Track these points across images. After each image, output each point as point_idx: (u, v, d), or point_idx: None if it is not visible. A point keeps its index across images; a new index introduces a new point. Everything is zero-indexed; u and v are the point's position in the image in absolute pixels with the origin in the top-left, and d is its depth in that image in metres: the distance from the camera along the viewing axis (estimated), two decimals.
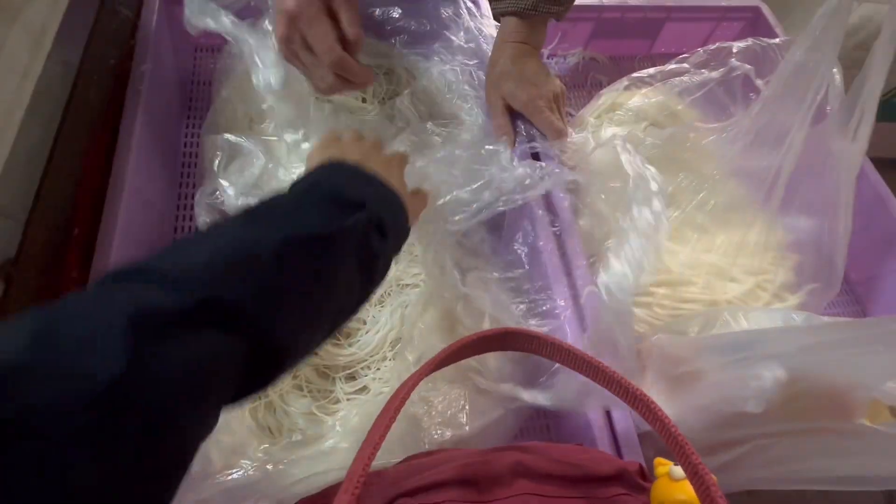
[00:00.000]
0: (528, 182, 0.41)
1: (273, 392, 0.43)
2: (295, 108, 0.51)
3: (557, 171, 0.44)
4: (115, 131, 0.45)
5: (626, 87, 0.59)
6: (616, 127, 0.57)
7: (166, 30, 0.56)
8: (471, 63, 0.58)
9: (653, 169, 0.38)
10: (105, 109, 0.47)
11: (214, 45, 0.61)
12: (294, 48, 0.39)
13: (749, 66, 0.53)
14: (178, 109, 0.59)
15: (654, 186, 0.35)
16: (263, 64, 0.46)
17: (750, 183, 0.47)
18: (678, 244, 0.48)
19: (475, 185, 0.42)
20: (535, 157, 0.51)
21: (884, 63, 0.38)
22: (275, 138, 0.54)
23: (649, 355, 0.37)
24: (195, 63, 0.64)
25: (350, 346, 0.46)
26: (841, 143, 0.42)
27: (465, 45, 0.58)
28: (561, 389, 0.34)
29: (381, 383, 0.45)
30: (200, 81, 0.63)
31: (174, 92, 0.59)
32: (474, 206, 0.44)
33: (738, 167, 0.47)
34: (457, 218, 0.43)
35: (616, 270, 0.31)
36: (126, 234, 0.41)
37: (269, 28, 0.48)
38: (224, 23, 0.46)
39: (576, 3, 0.67)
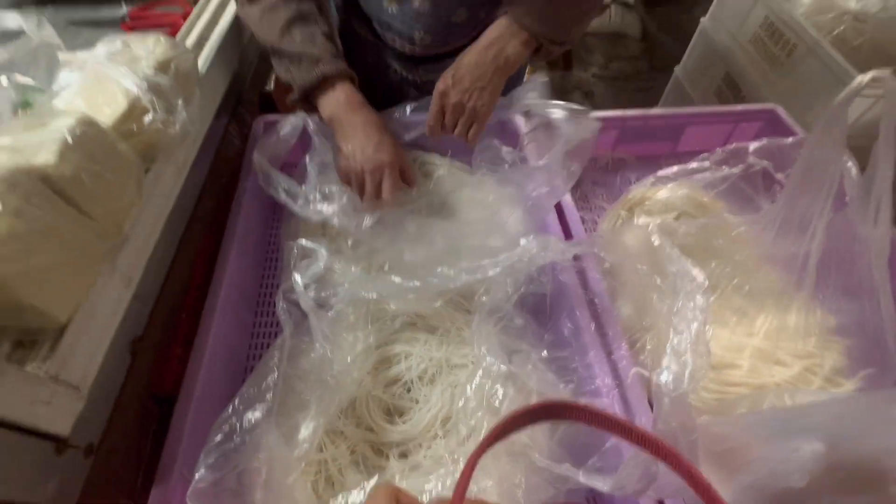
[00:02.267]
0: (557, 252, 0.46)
1: (332, 466, 0.46)
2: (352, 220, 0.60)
3: (587, 244, 0.49)
4: (220, 233, 0.56)
5: (653, 184, 0.65)
6: (647, 217, 0.62)
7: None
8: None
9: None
10: (215, 216, 0.58)
11: (294, 162, 0.75)
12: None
13: (767, 162, 0.58)
14: (267, 214, 0.71)
15: (698, 280, 0.35)
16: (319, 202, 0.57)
17: (782, 268, 0.49)
18: (718, 327, 0.50)
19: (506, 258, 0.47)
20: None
21: (888, 153, 0.42)
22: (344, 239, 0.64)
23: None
24: None
25: (403, 423, 0.49)
26: (864, 229, 0.44)
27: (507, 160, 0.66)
28: (622, 476, 0.34)
29: (433, 461, 0.47)
30: None
31: (264, 201, 0.72)
32: (509, 280, 0.49)
33: (769, 254, 0.49)
34: (498, 296, 0.48)
35: (670, 368, 0.30)
36: (222, 317, 0.49)
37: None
38: (282, 196, 0.58)
39: (601, 114, 0.77)
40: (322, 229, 0.66)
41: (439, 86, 0.57)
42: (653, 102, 1.78)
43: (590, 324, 0.48)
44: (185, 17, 0.68)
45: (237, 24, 0.69)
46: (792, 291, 0.46)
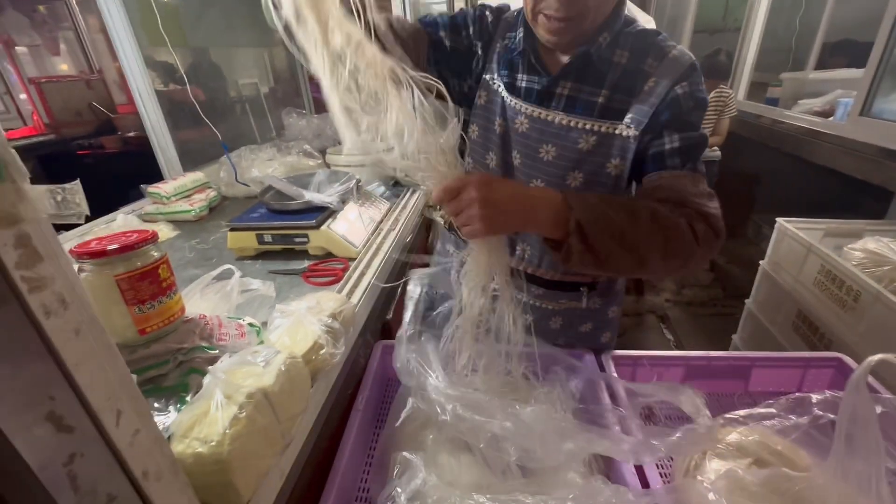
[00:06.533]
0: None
1: None
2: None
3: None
4: (341, 432, 0.70)
5: (722, 425, 0.69)
6: (719, 461, 0.65)
7: (379, 370, 0.88)
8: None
9: None
10: (339, 420, 0.73)
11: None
12: None
13: (832, 415, 0.62)
14: (373, 415, 0.85)
15: None
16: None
17: None
18: None
19: None
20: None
21: None
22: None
23: None
24: (387, 389, 0.94)
25: None
26: None
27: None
28: None
29: None
30: (388, 400, 0.91)
31: (374, 407, 0.86)
32: None
33: None
34: None
35: None
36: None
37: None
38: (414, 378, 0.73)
39: (664, 354, 0.87)
40: (421, 436, 0.76)
41: (472, 177, 0.56)
42: (732, 328, 1.81)
43: None
44: (344, 270, 0.99)
45: (380, 275, 0.98)
46: None
